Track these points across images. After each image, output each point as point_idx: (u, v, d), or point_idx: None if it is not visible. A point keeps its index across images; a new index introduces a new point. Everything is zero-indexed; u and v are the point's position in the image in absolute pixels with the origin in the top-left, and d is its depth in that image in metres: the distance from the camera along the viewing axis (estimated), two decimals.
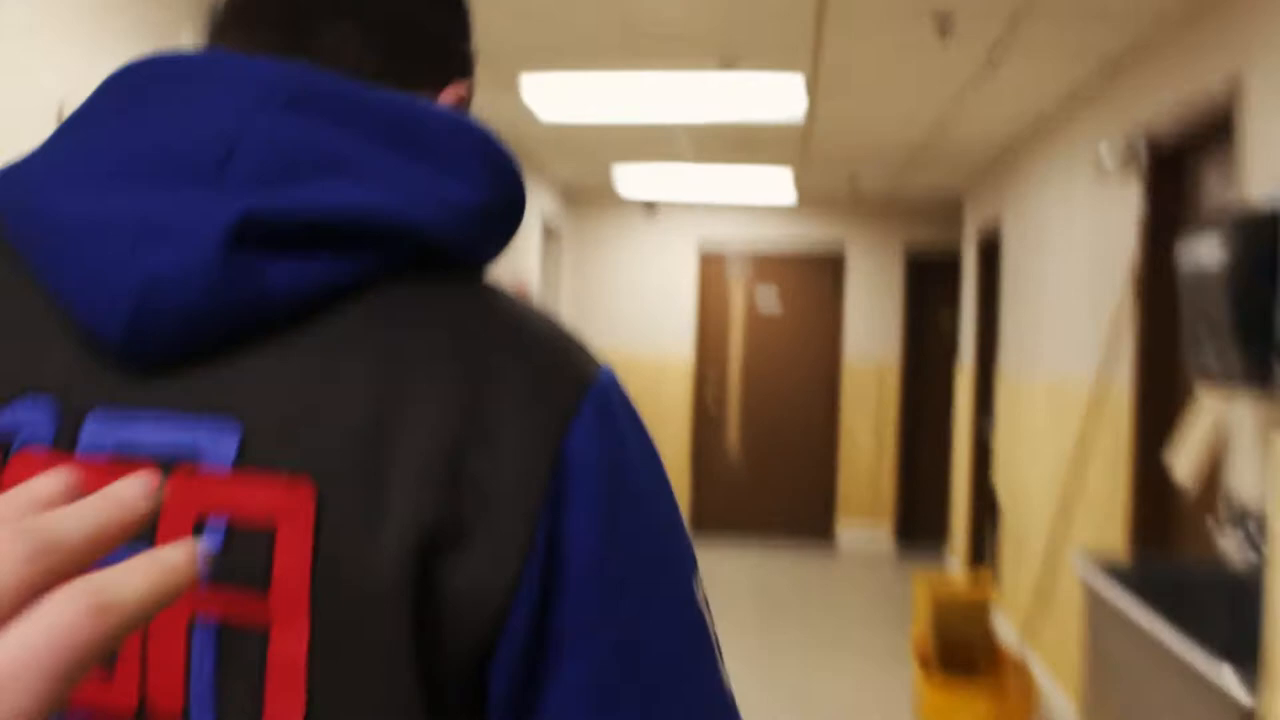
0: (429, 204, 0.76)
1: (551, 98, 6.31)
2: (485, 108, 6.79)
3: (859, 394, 10.53)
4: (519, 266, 8.79)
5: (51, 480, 0.43)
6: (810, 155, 8.06)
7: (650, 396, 10.68)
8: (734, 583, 8.96)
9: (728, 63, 5.60)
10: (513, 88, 6.18)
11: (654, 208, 10.61)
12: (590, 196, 10.64)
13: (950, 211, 10.34)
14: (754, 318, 10.69)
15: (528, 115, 6.84)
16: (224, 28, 0.88)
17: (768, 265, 10.71)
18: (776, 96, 6.18)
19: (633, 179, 9.32)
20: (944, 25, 4.70)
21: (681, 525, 0.81)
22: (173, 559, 0.41)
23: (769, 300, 10.69)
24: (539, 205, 9.44)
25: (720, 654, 0.80)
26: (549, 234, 10.25)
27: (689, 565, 0.80)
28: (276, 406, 0.72)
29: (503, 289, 0.83)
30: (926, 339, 10.53)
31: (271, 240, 0.72)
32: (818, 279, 10.66)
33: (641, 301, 10.71)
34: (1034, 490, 6.52)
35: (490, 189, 0.80)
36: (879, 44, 5.09)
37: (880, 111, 6.53)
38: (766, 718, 5.83)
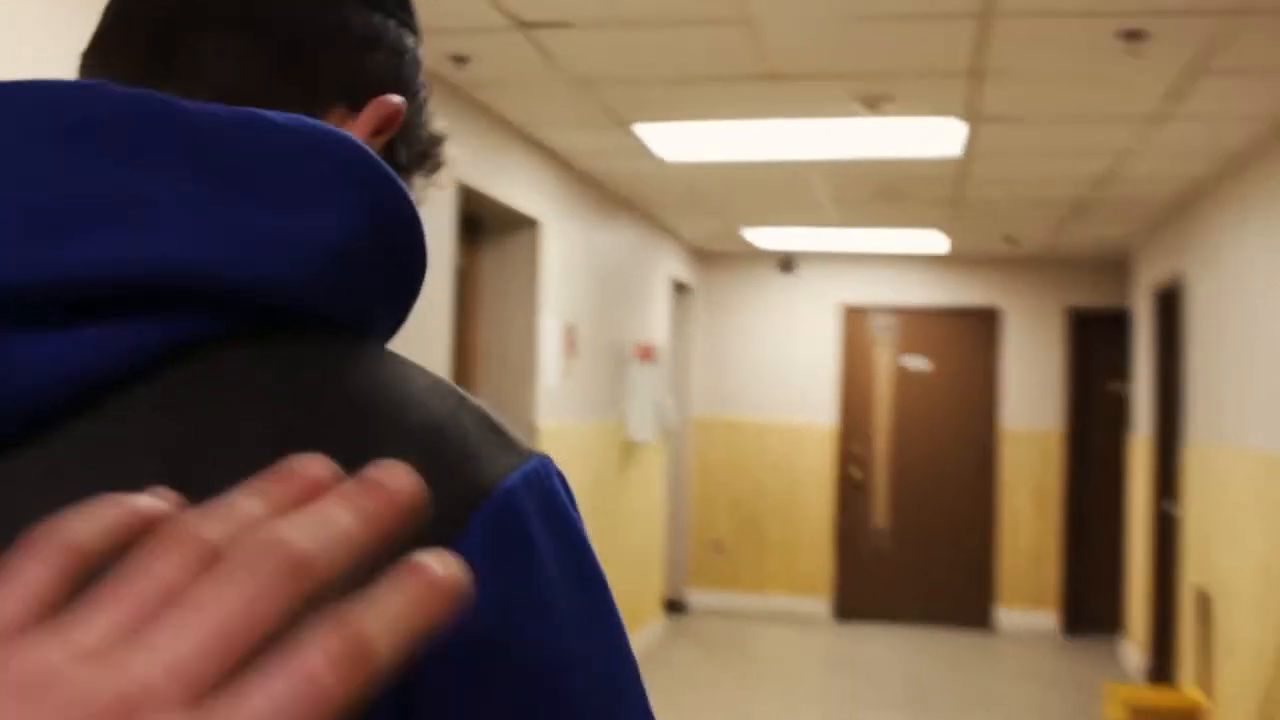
0: (258, 247, 0.62)
1: (677, 142, 5.71)
2: (608, 154, 6.22)
3: (1019, 463, 9.73)
4: (647, 328, 8.22)
5: (301, 471, 0.39)
6: (963, 209, 7.34)
7: (788, 465, 10.03)
8: (881, 673, 8.19)
9: (872, 104, 4.94)
10: (633, 133, 5.59)
11: (791, 262, 9.97)
12: (723, 252, 10.08)
13: (1116, 265, 9.53)
14: (901, 380, 9.99)
15: (653, 161, 6.25)
16: (90, 49, 0.77)
17: (916, 322, 9.99)
18: (926, 141, 5.49)
19: (768, 232, 8.71)
20: (1134, 42, 3.97)
21: (631, 695, 0.64)
22: (433, 580, 0.35)
23: (918, 361, 9.97)
24: (668, 262, 8.88)
25: None
26: (679, 292, 9.71)
27: None
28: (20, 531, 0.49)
29: (395, 359, 0.68)
30: (1092, 404, 9.71)
31: (28, 314, 0.60)
32: (971, 337, 9.91)
33: (779, 363, 10.09)
34: (1242, 581, 5.64)
35: (360, 222, 0.65)
36: (1049, 72, 4.37)
37: (1045, 155, 5.79)
38: None
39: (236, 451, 0.60)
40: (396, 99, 0.80)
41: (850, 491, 10.05)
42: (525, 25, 4.04)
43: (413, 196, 0.70)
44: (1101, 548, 9.56)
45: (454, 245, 4.99)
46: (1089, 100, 4.79)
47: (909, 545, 9.94)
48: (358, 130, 0.78)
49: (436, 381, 0.67)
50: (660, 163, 6.24)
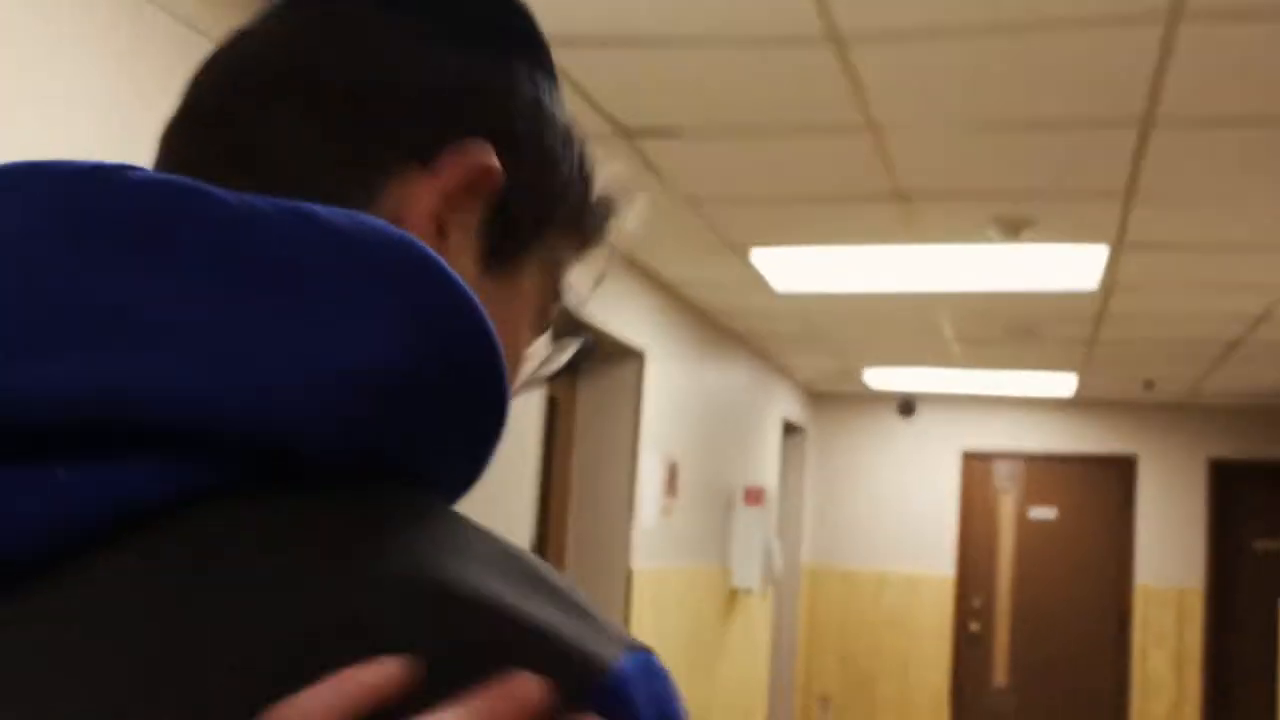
0: (272, 378, 0.52)
1: (792, 271, 5.32)
2: (718, 283, 5.86)
3: (1155, 623, 9.03)
4: (755, 470, 7.77)
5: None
6: (1099, 350, 6.83)
7: (903, 618, 9.46)
8: None
9: (1012, 229, 4.52)
10: (746, 260, 5.22)
11: (910, 405, 9.48)
12: (838, 393, 9.65)
13: (1266, 411, 8.88)
14: (1026, 530, 9.40)
15: (766, 292, 5.86)
16: (168, 125, 0.68)
17: (1042, 471, 9.41)
18: (1066, 272, 5.03)
19: (886, 372, 8.25)
20: None
21: None
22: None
23: (1044, 511, 9.36)
24: (779, 402, 8.46)
25: None
26: (791, 433, 9.25)
27: None
28: None
29: (452, 525, 0.56)
30: (1238, 562, 9.01)
31: None
32: (1103, 487, 9.30)
33: (895, 510, 9.56)
34: None
35: (407, 346, 0.55)
36: (1207, 191, 3.92)
37: (1195, 289, 5.29)
38: None
39: (217, 678, 0.47)
40: (483, 151, 0.65)
41: (969, 647, 9.41)
42: (629, 133, 3.70)
43: (481, 308, 0.57)
44: (1251, 716, 8.75)
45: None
46: (1250, 223, 4.31)
47: (1032, 707, 9.24)
48: (427, 194, 0.64)
49: (505, 555, 0.54)
50: (773, 294, 5.85)
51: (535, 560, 0.56)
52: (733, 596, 7.35)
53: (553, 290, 0.72)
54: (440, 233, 0.63)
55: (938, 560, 9.46)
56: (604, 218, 0.74)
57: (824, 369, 8.41)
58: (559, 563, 5.46)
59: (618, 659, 0.52)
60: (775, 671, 9.12)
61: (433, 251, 0.57)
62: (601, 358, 5.63)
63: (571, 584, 0.56)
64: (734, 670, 7.43)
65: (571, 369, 0.81)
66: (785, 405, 8.69)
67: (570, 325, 0.75)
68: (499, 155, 0.65)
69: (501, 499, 4.31)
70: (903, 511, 9.55)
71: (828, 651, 9.53)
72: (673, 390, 6.10)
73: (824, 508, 9.72)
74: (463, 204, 0.65)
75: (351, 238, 0.56)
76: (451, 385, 0.56)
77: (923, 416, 9.59)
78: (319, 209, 0.57)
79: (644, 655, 0.54)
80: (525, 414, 4.45)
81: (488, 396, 0.58)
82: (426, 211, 0.63)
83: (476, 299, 0.57)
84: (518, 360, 0.70)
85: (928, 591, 9.44)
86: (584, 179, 0.72)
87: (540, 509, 5.18)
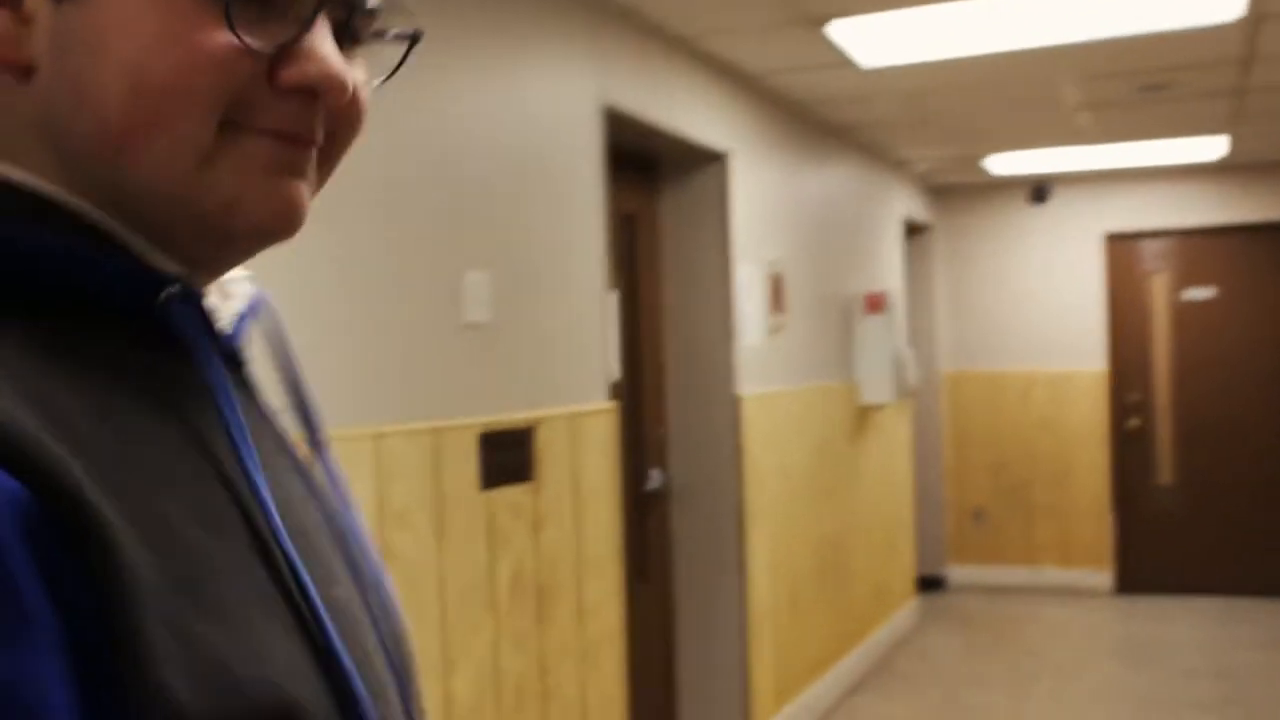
0: None
1: (880, 40, 4.68)
2: (798, 66, 5.23)
3: None
4: (877, 275, 7.20)
5: None
6: (1250, 101, 6.01)
7: (1054, 420, 8.87)
8: (1179, 659, 6.98)
9: None
10: (825, 36, 4.59)
11: (1043, 190, 8.72)
12: (962, 184, 8.93)
13: None
14: (1182, 313, 8.68)
15: (855, 71, 5.21)
16: None
17: (1196, 246, 8.63)
18: (1200, 5, 4.30)
19: (1013, 157, 7.52)
20: None
21: None
22: None
23: (1201, 291, 8.60)
24: (897, 200, 7.82)
25: None
26: (914, 233, 8.62)
27: None
28: None
29: None
30: None
31: None
32: (1265, 260, 8.49)
33: (1037, 305, 8.90)
34: None
35: None
36: None
37: None
38: None
39: None
40: None
41: (1129, 445, 8.77)
42: None
43: None
44: None
45: (604, 184, 4.11)
46: None
47: (1202, 503, 8.60)
48: None
49: None
50: (862, 71, 5.20)
51: None
52: (863, 414, 6.86)
53: None
54: None
55: (1088, 355, 8.78)
56: None
57: (941, 158, 7.71)
58: (658, 394, 5.03)
59: None
60: (922, 487, 8.65)
61: None
62: (680, 165, 5.08)
63: None
64: (874, 492, 6.98)
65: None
66: (904, 203, 8.03)
67: None
68: None
69: (572, 333, 3.86)
70: (1045, 306, 8.86)
71: (977, 462, 9.01)
72: (767, 195, 5.54)
73: (959, 309, 9.08)
74: None
75: None
76: None
77: (1057, 201, 8.80)
78: None
79: None
80: (587, 234, 3.96)
81: None
82: None
83: None
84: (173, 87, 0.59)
85: (1080, 389, 8.80)
86: None
87: (630, 338, 4.73)
